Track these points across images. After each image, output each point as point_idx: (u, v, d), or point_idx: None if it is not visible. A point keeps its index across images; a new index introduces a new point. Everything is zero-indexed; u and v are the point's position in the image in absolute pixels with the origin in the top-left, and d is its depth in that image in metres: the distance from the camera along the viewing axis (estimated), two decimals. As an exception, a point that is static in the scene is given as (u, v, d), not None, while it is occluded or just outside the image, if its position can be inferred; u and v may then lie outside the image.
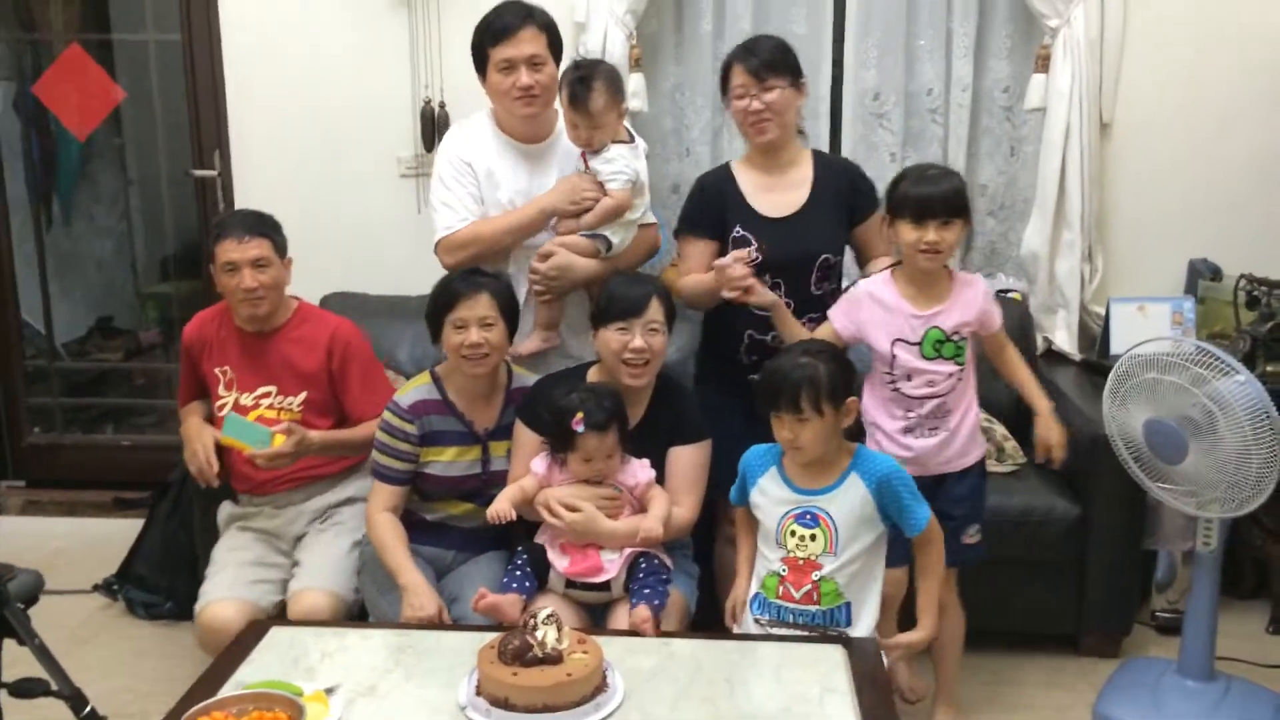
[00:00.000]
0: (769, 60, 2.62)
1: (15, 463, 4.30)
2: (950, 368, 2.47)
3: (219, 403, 2.79)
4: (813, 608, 2.18)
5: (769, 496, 2.24)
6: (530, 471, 2.42)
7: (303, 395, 2.76)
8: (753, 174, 2.74)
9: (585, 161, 2.68)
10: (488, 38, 2.68)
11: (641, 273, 2.56)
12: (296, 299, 2.85)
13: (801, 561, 2.18)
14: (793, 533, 2.19)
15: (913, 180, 2.45)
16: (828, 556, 2.17)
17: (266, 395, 2.77)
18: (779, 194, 2.71)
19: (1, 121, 4.11)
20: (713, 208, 2.73)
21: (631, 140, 2.72)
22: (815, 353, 2.20)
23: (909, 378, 2.48)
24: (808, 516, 2.19)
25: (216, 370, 2.81)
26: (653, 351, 2.39)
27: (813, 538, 2.18)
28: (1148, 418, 2.57)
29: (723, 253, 2.63)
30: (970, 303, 2.49)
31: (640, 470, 2.40)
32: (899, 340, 2.47)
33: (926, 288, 2.48)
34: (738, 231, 2.69)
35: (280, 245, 2.75)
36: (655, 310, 2.40)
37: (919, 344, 2.46)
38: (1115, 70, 3.48)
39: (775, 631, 2.21)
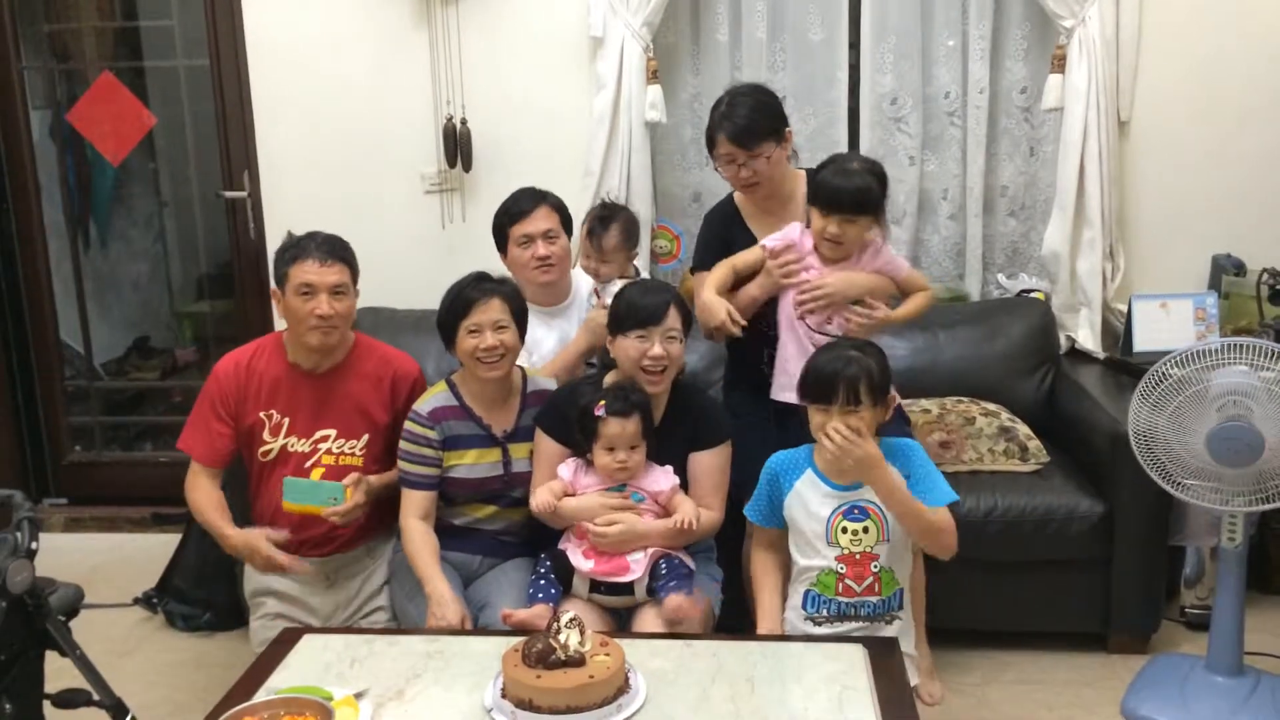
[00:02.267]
0: (750, 127, 2.63)
1: (57, 481, 4.39)
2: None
3: (263, 448, 2.67)
4: (874, 598, 2.22)
5: (810, 499, 2.24)
6: (556, 476, 2.47)
7: (365, 438, 2.67)
8: (755, 210, 2.84)
9: (598, 295, 2.92)
10: (508, 219, 2.96)
11: (659, 280, 2.61)
12: (353, 330, 2.77)
13: (858, 556, 2.21)
14: (844, 529, 2.21)
15: (832, 170, 2.56)
16: (882, 545, 2.21)
17: (325, 439, 2.66)
18: (779, 219, 2.77)
19: (38, 149, 4.20)
20: (719, 241, 2.85)
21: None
22: (861, 347, 2.25)
23: (830, 320, 2.59)
24: (856, 510, 2.21)
25: (261, 414, 2.67)
26: (670, 359, 2.43)
27: (865, 530, 2.20)
28: (1212, 428, 2.51)
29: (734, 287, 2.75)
30: (869, 264, 2.62)
31: (663, 477, 2.43)
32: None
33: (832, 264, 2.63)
34: None
35: (356, 274, 2.68)
36: (673, 318, 2.44)
37: None
38: (1132, 68, 3.48)
39: (830, 630, 2.24)
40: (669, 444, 2.46)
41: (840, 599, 2.22)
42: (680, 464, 2.47)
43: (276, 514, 2.67)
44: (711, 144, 2.72)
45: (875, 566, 2.21)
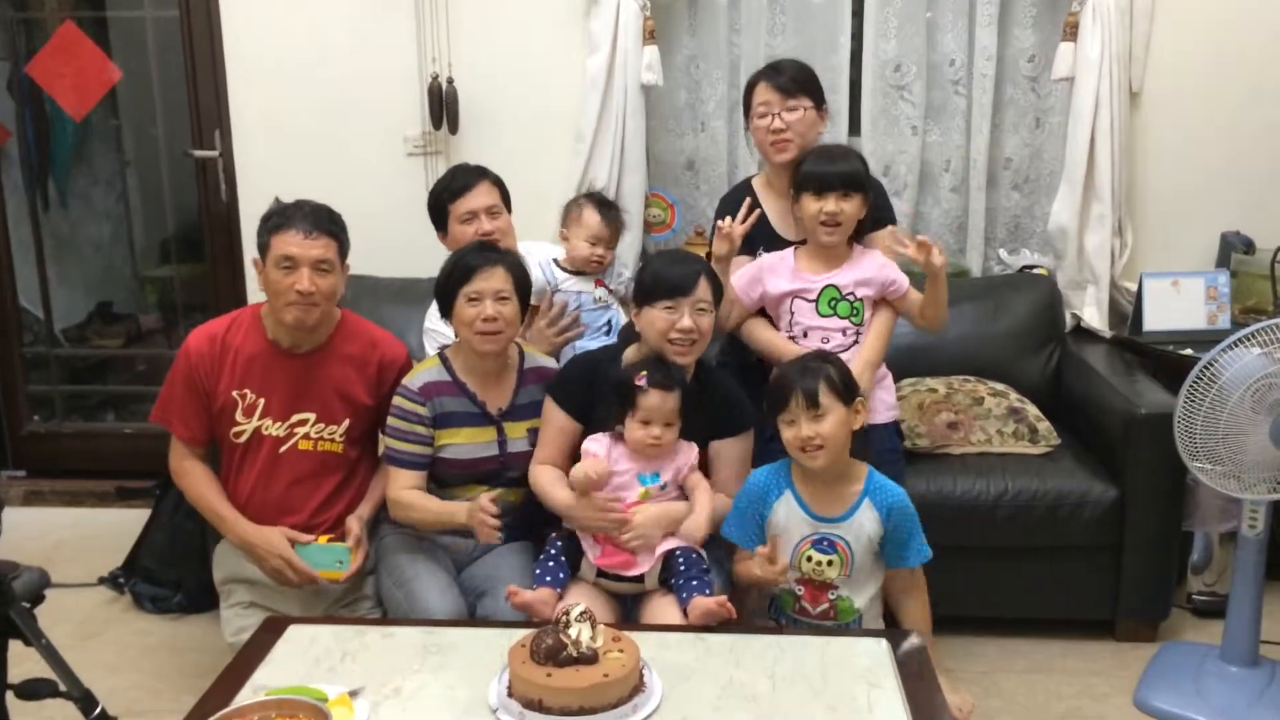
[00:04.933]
0: (795, 78, 2.70)
1: (15, 452, 4.21)
2: (843, 324, 2.60)
3: (236, 429, 2.53)
4: (829, 622, 2.25)
5: (786, 522, 2.24)
6: (560, 450, 2.37)
7: (345, 424, 2.55)
8: (773, 197, 2.77)
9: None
10: (447, 195, 2.86)
11: (687, 251, 2.50)
12: (338, 307, 2.61)
13: (817, 583, 2.24)
14: (809, 557, 2.22)
15: (816, 157, 2.60)
16: (843, 579, 2.23)
17: (302, 423, 2.53)
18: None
19: (-5, 102, 4.01)
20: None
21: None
22: (821, 357, 2.29)
23: (805, 334, 2.60)
24: (825, 543, 2.22)
25: (234, 394, 2.52)
26: (700, 332, 2.30)
27: (829, 563, 2.22)
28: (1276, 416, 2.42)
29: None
30: (867, 267, 2.62)
31: (683, 453, 2.33)
32: (796, 296, 2.61)
33: (826, 259, 2.62)
34: (761, 253, 2.74)
35: (345, 249, 2.52)
36: (704, 289, 2.31)
37: (815, 301, 2.59)
38: (1145, 38, 3.37)
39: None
40: (689, 426, 2.32)
41: (796, 616, 2.28)
42: (700, 446, 2.35)
43: (249, 500, 2.55)
44: (749, 99, 2.74)
45: (833, 595, 2.24)
